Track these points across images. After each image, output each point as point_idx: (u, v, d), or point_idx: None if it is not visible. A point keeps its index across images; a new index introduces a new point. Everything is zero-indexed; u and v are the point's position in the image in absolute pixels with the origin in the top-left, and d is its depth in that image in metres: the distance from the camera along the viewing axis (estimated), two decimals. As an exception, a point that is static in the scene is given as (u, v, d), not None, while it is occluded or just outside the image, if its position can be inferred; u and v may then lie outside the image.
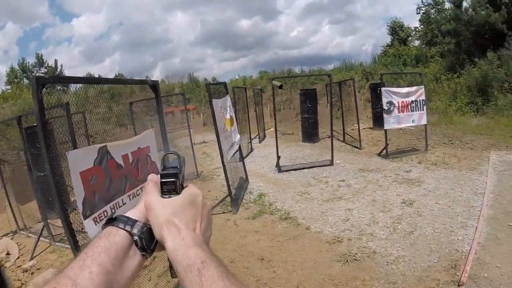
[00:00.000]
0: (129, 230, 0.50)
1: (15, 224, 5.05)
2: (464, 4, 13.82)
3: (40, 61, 22.01)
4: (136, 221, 0.51)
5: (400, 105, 7.19)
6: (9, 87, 19.96)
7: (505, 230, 3.77)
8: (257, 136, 11.18)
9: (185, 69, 53.08)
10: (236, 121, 9.46)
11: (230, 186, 4.98)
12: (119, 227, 0.50)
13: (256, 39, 48.43)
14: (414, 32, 20.59)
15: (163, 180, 0.54)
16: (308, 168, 6.89)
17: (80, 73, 30.61)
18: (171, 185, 0.53)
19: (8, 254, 4.19)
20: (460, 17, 13.53)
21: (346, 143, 9.44)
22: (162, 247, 0.50)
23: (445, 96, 12.62)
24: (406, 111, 7.28)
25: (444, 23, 15.59)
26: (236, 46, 48.73)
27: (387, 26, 21.04)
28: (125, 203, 2.23)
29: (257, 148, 9.86)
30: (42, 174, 4.17)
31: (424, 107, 7.53)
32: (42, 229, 4.25)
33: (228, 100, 5.62)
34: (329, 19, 47.45)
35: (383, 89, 7.17)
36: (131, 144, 2.45)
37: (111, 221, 0.51)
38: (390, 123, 7.17)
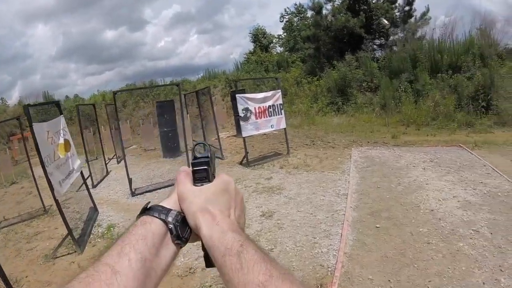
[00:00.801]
0: (164, 218, 0.48)
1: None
2: (324, 11, 15.22)
3: None
4: (171, 210, 0.50)
5: (257, 111, 6.93)
6: None
7: (372, 233, 3.59)
8: (115, 157, 9.82)
9: (46, 87, 45.40)
10: (84, 143, 7.66)
11: (68, 223, 4.27)
12: (154, 216, 0.48)
13: (122, 50, 45.47)
14: (277, 39, 22.16)
15: (195, 168, 0.53)
16: (164, 187, 6.25)
17: None
18: (203, 173, 0.53)
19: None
20: (320, 23, 14.78)
21: (209, 154, 8.96)
22: (197, 237, 0.50)
23: (307, 99, 13.51)
24: (264, 117, 7.06)
25: (304, 29, 16.99)
26: (101, 59, 44.91)
27: (250, 33, 22.07)
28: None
29: (115, 170, 8.55)
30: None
31: (282, 111, 7.48)
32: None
33: (61, 121, 4.92)
34: (197, 29, 48.09)
35: (237, 95, 6.82)
36: None
37: (146, 210, 0.50)
38: (248, 130, 6.83)
